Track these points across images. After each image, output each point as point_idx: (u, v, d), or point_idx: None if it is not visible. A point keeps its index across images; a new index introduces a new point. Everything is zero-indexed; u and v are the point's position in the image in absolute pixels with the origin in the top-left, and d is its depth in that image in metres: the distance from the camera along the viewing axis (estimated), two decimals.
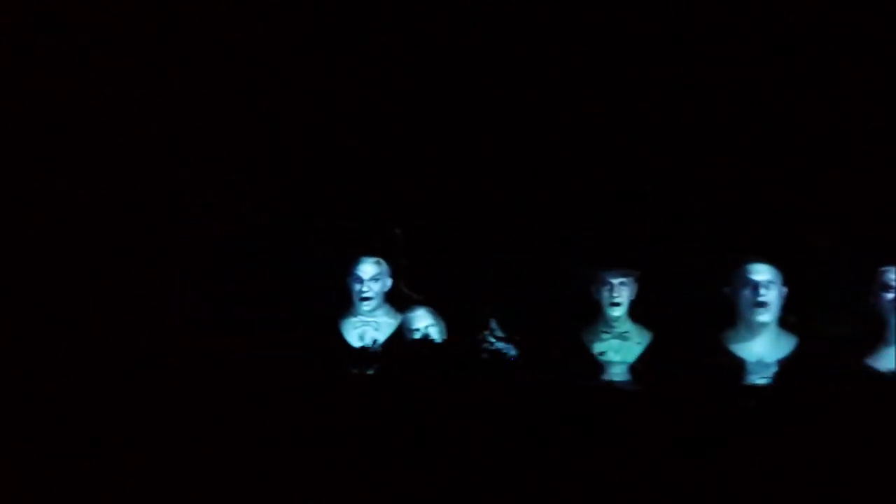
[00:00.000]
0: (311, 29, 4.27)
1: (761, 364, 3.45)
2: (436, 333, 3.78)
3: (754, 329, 3.52)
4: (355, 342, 3.91)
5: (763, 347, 3.53)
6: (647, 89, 4.06)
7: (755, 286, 3.48)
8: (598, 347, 3.72)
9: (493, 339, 3.43)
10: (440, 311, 3.89)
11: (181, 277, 4.18)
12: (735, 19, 3.95)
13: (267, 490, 3.00)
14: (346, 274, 3.96)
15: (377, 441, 2.96)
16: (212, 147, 4.30)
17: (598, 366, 3.62)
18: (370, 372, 3.39)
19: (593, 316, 3.77)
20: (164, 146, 4.26)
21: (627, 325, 3.74)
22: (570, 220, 4.10)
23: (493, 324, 3.54)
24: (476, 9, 4.15)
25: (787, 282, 3.53)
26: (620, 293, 3.70)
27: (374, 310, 3.97)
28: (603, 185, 4.12)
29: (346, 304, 3.99)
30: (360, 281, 3.93)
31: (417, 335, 3.78)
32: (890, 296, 3.41)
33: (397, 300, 4.01)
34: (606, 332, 3.74)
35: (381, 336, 3.90)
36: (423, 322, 3.84)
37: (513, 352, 3.36)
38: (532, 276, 4.03)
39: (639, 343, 3.73)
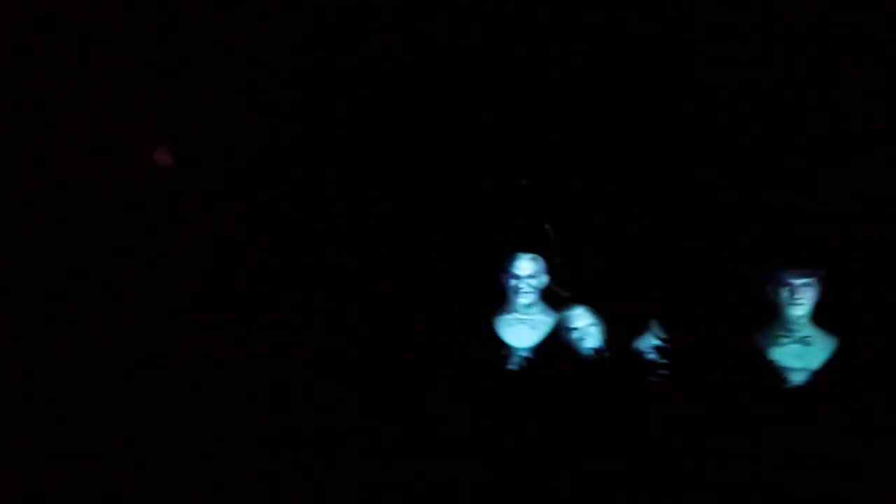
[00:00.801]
0: (311, 28, 4.28)
1: None
2: (596, 333, 3.68)
3: None
4: (512, 340, 3.82)
5: None
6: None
7: None
8: (776, 353, 3.45)
9: (654, 342, 3.32)
10: (598, 310, 3.74)
11: (181, 277, 4.17)
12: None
13: (267, 491, 3.00)
14: (502, 270, 3.86)
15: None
16: (212, 147, 4.30)
17: (775, 372, 3.37)
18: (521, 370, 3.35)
19: (769, 319, 3.51)
20: (163, 146, 4.26)
21: (809, 330, 3.48)
22: (744, 213, 3.83)
23: (655, 325, 3.43)
24: None
25: None
26: (803, 295, 3.45)
27: (530, 307, 3.87)
28: (783, 176, 3.87)
29: (501, 301, 3.88)
30: (517, 278, 3.84)
31: (576, 334, 3.69)
32: None
33: (547, 298, 3.90)
34: (785, 337, 3.47)
35: (538, 334, 3.81)
36: (583, 321, 3.72)
37: (677, 356, 3.19)
38: (700, 274, 3.74)
39: (822, 349, 3.46)
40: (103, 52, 4.24)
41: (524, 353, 3.74)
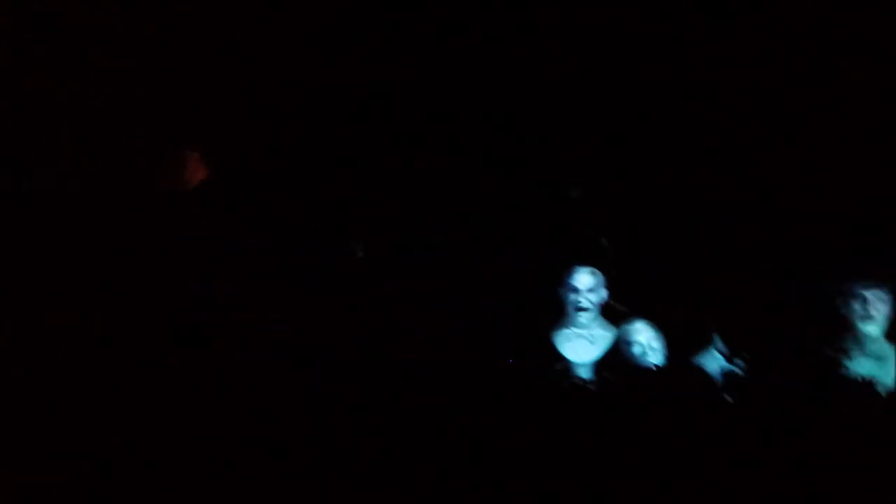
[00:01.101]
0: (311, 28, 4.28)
1: None
2: (658, 347, 3.62)
3: None
4: (570, 354, 3.77)
5: None
6: None
7: None
8: (848, 368, 3.25)
9: (716, 356, 3.27)
10: (658, 324, 3.67)
11: (181, 277, 4.17)
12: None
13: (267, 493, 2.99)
14: (561, 284, 3.80)
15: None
16: (213, 146, 4.30)
17: (845, 388, 3.13)
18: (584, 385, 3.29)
19: (840, 333, 3.37)
20: (163, 145, 4.26)
21: (882, 344, 3.35)
22: (814, 224, 3.73)
23: (717, 339, 3.37)
24: None
25: None
26: (876, 308, 3.32)
27: (589, 321, 3.80)
28: (855, 187, 3.74)
29: (560, 315, 3.82)
30: (576, 291, 3.78)
31: (636, 348, 3.63)
32: None
33: (607, 312, 3.85)
34: (858, 352, 3.32)
35: (598, 349, 3.76)
36: (644, 335, 3.66)
37: (739, 371, 3.13)
38: (765, 286, 3.61)
39: None
40: (103, 52, 4.24)
41: (583, 368, 3.70)
